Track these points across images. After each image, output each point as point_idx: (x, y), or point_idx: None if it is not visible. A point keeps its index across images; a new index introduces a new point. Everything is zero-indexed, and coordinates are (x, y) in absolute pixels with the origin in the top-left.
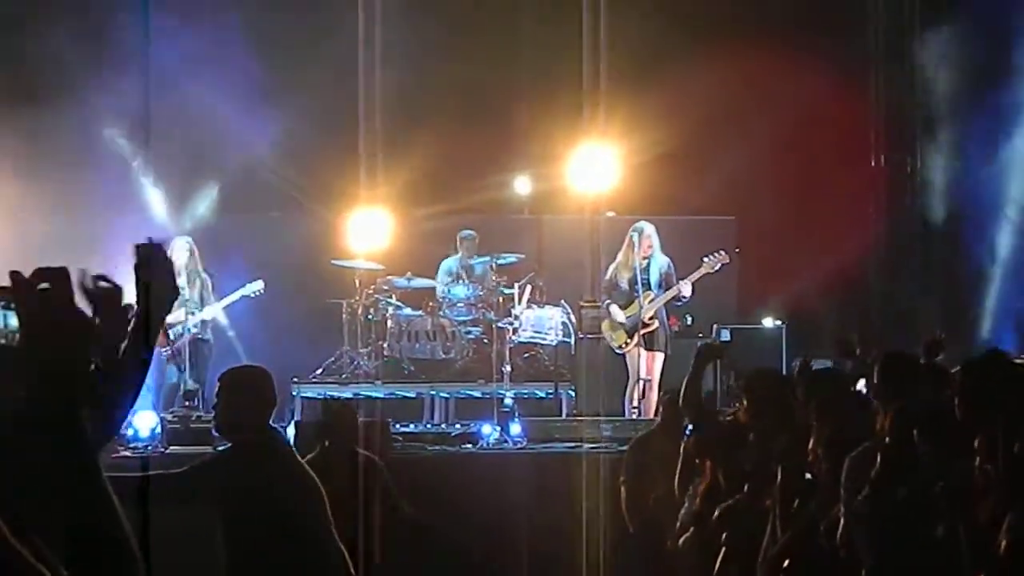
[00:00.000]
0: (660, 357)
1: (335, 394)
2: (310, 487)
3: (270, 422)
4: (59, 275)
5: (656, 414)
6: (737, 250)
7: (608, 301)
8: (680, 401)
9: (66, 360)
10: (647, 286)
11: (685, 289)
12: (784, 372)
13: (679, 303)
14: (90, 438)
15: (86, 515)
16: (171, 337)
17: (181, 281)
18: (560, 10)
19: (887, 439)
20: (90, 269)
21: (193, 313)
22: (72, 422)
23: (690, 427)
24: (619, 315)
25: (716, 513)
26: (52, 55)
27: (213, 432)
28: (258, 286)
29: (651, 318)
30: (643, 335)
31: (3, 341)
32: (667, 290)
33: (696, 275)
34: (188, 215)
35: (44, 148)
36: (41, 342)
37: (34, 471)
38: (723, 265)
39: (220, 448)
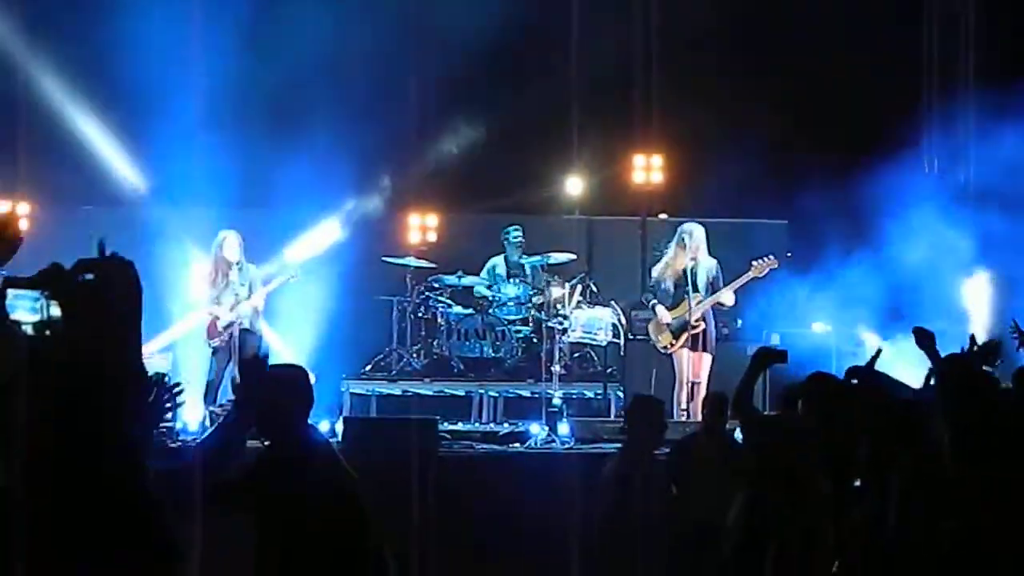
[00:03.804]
0: (708, 358)
1: (384, 391)
2: (350, 486)
3: (307, 420)
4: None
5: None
6: (789, 255)
7: (654, 301)
8: (732, 403)
9: (107, 348)
10: (695, 288)
11: (727, 298)
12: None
13: (721, 309)
14: (133, 425)
15: (128, 497)
16: (220, 328)
17: (233, 273)
18: (615, 10)
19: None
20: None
21: (239, 303)
22: (114, 410)
23: (739, 431)
24: (665, 316)
25: (766, 515)
26: None
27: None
28: (295, 271)
29: (698, 320)
30: (690, 336)
31: (47, 332)
32: (713, 293)
33: (741, 280)
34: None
35: None
36: (83, 332)
37: (77, 455)
38: (771, 270)
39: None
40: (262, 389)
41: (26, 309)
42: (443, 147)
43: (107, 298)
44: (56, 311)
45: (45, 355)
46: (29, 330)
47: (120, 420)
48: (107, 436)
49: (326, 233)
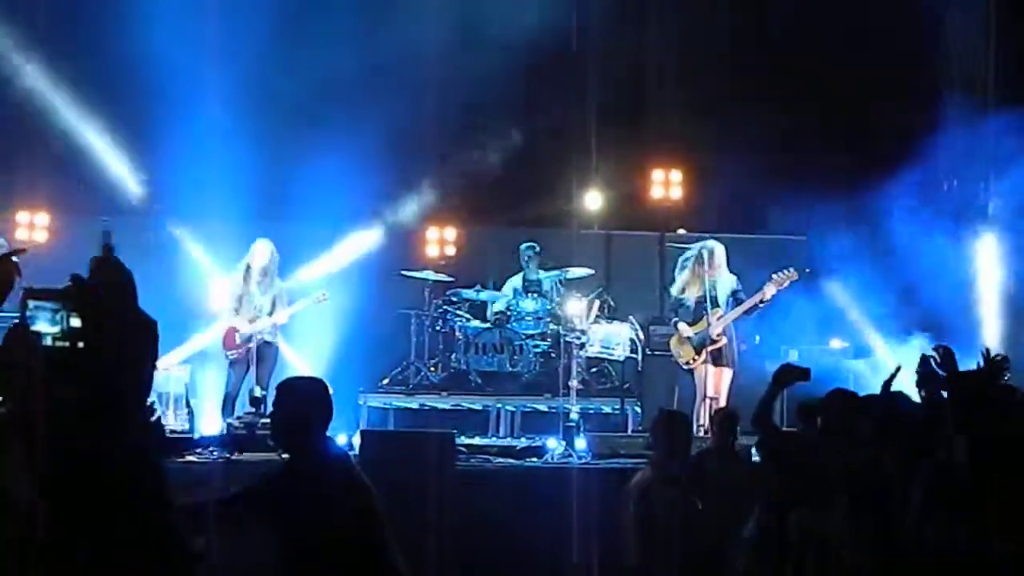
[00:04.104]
0: (728, 374)
1: (401, 404)
2: (367, 500)
3: (326, 432)
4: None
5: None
6: (807, 271)
7: (676, 318)
8: (752, 419)
9: (127, 357)
10: (715, 303)
11: (769, 291)
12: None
13: (753, 313)
14: (152, 432)
15: (146, 506)
16: (238, 341)
17: (253, 282)
18: (634, 24)
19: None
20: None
21: (259, 318)
22: (132, 416)
23: (754, 447)
24: (687, 331)
25: (784, 525)
26: None
27: (269, 442)
28: (322, 294)
29: (719, 335)
30: (711, 351)
31: (66, 343)
32: (737, 304)
33: (762, 294)
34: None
35: None
36: (103, 341)
37: (95, 464)
38: (791, 283)
39: (279, 459)
40: (281, 400)
41: (46, 320)
42: (468, 160)
43: (124, 306)
44: (76, 322)
45: (63, 364)
46: (48, 340)
47: (127, 426)
48: (116, 439)
49: (348, 248)
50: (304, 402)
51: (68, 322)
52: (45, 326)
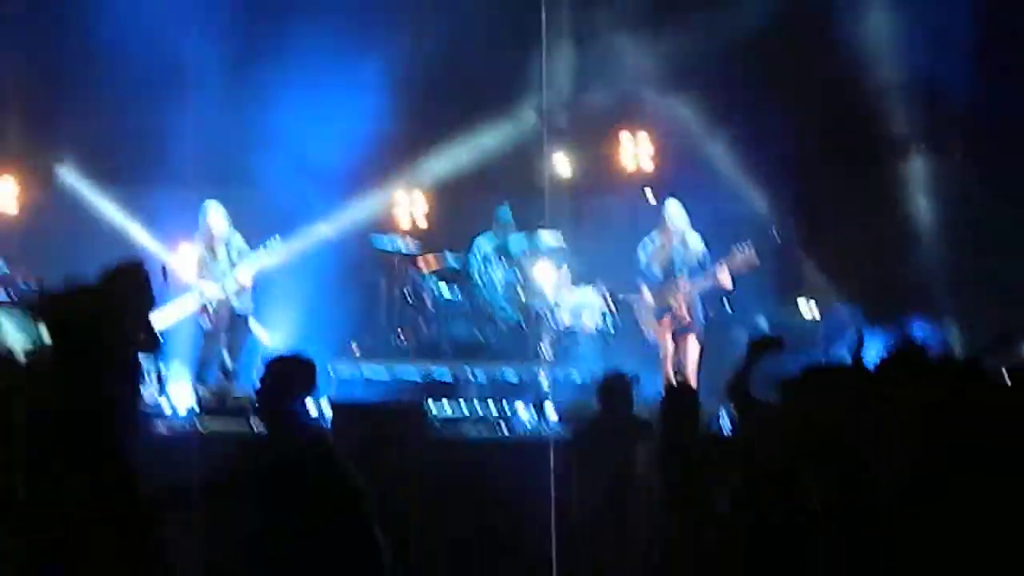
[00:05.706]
0: (693, 340)
1: (371, 374)
2: (345, 472)
3: (304, 406)
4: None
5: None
6: (774, 233)
7: (641, 284)
8: (725, 391)
9: (100, 354)
10: (677, 269)
11: (725, 281)
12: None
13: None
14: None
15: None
16: (209, 309)
17: (220, 249)
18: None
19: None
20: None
21: (226, 280)
22: (105, 413)
23: (725, 419)
24: (649, 299)
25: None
26: None
27: (251, 415)
28: (275, 242)
29: (680, 302)
30: (674, 318)
31: (33, 348)
32: (701, 271)
33: (730, 265)
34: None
35: None
36: (71, 344)
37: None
38: (750, 267)
39: (253, 431)
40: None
41: (17, 330)
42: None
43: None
44: (43, 330)
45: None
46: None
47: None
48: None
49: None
50: (289, 378)
51: (36, 329)
52: (15, 335)
